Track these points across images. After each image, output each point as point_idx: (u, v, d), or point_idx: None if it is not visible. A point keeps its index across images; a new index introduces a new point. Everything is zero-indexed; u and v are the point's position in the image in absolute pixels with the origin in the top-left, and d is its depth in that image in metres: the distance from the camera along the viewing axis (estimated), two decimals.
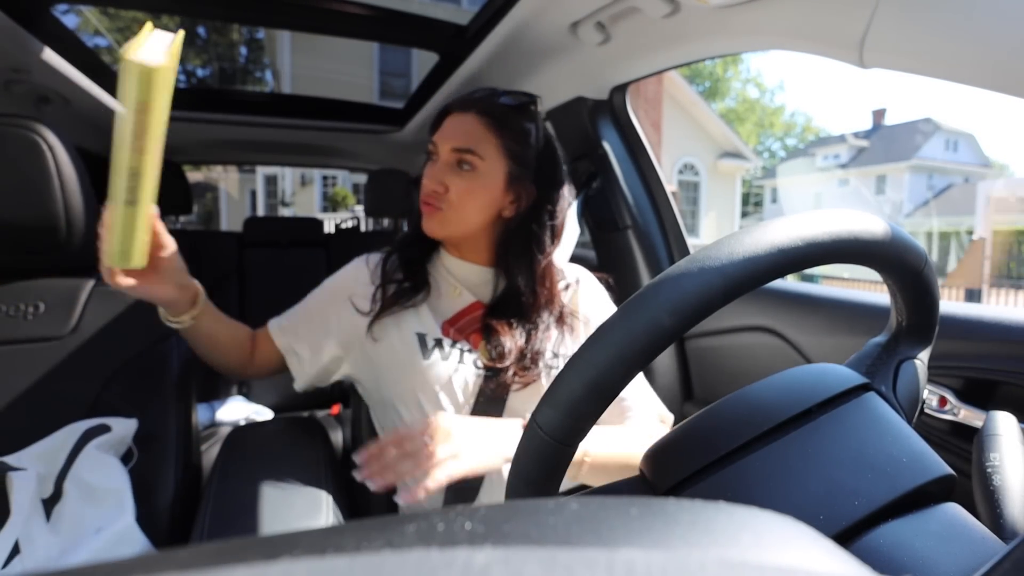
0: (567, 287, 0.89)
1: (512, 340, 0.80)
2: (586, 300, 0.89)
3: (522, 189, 0.83)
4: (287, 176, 14.35)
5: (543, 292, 0.83)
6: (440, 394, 0.79)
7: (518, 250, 0.83)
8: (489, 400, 0.79)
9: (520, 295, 0.82)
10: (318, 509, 0.74)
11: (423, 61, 1.47)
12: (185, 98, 1.89)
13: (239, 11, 1.26)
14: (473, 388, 0.79)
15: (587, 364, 0.31)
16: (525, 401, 0.80)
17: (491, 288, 0.87)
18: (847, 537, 0.30)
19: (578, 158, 1.33)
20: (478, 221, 0.83)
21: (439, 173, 0.81)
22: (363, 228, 3.23)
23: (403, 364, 0.81)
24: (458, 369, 0.79)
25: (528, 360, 0.80)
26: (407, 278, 0.85)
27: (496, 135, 0.80)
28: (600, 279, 0.94)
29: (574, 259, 1.11)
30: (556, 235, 0.85)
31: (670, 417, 0.86)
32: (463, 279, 0.88)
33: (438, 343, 0.81)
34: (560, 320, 0.84)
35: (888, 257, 0.35)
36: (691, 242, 1.27)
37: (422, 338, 0.81)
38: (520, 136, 0.82)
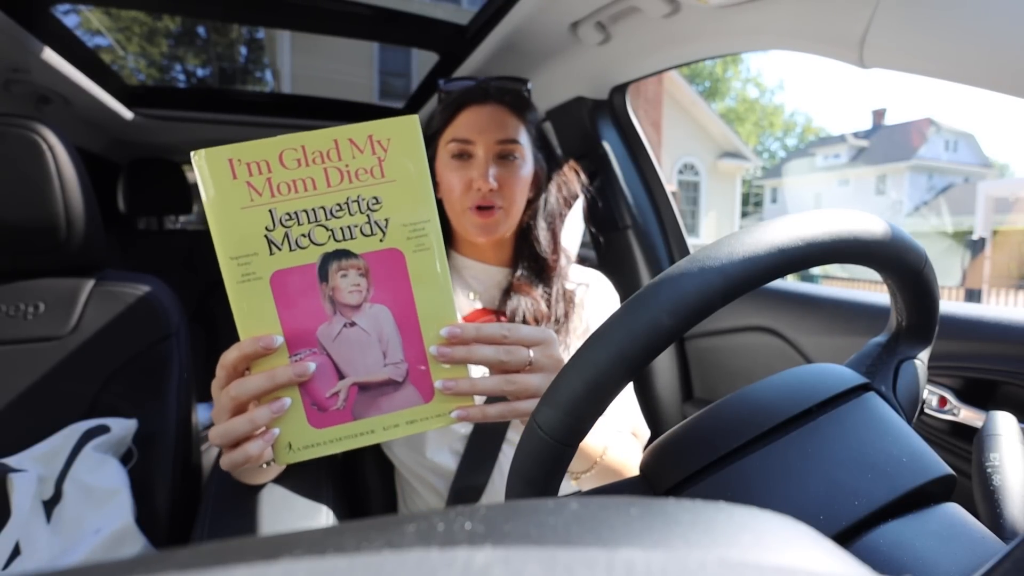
0: (577, 285, 0.86)
1: (535, 304, 0.78)
2: (593, 304, 0.85)
3: (541, 171, 0.82)
4: None
5: (556, 257, 0.82)
6: None
7: (538, 234, 0.82)
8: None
9: (542, 259, 0.81)
10: (318, 509, 0.74)
11: (423, 61, 1.47)
12: (185, 98, 1.89)
13: (239, 11, 1.26)
14: None
15: (587, 364, 0.31)
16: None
17: (500, 291, 0.83)
18: (847, 537, 0.30)
19: (578, 158, 1.33)
20: (520, 216, 0.80)
21: (489, 170, 0.74)
22: None
23: None
24: None
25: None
26: None
27: (522, 121, 0.79)
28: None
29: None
30: (567, 204, 0.85)
31: (646, 432, 0.82)
32: (480, 281, 0.84)
33: None
34: (566, 314, 0.81)
35: (888, 257, 0.35)
36: (691, 242, 1.27)
37: None
38: (536, 119, 0.82)
